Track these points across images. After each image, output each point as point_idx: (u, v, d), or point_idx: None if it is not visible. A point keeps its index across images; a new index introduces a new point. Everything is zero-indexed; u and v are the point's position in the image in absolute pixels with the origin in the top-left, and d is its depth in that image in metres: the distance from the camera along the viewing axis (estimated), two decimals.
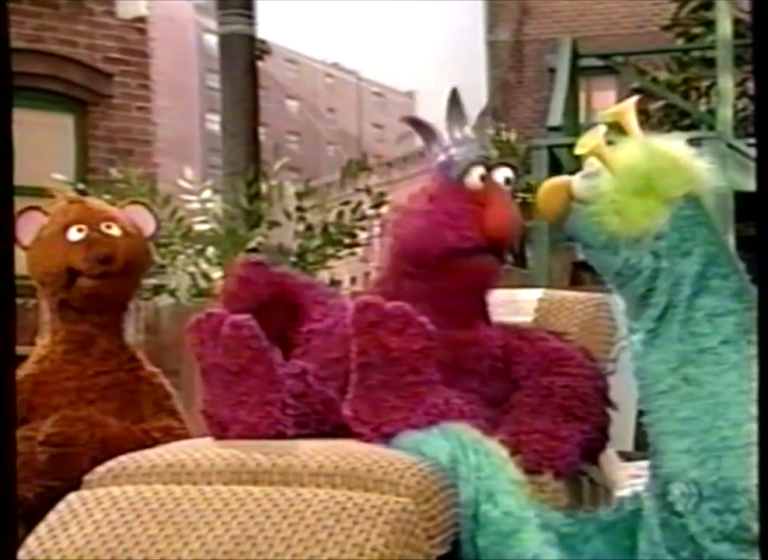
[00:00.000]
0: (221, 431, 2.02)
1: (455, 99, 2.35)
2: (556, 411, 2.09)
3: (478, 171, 2.23)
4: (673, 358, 1.91)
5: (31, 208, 2.85)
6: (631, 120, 1.95)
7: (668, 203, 1.91)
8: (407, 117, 2.42)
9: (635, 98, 2.01)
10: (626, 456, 2.73)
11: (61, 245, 2.78)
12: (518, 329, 2.34)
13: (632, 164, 1.92)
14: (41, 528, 1.80)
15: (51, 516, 1.82)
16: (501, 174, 2.27)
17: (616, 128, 1.97)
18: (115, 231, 2.85)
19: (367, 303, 1.97)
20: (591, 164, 1.95)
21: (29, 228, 2.81)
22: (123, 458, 1.95)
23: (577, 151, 1.96)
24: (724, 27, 6.65)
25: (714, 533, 1.83)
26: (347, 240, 5.77)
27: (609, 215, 1.90)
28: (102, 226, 2.83)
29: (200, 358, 2.04)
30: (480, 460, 1.87)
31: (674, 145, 1.97)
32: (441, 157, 2.27)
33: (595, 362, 2.26)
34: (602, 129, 1.95)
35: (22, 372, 2.74)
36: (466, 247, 2.18)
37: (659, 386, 1.93)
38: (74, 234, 2.79)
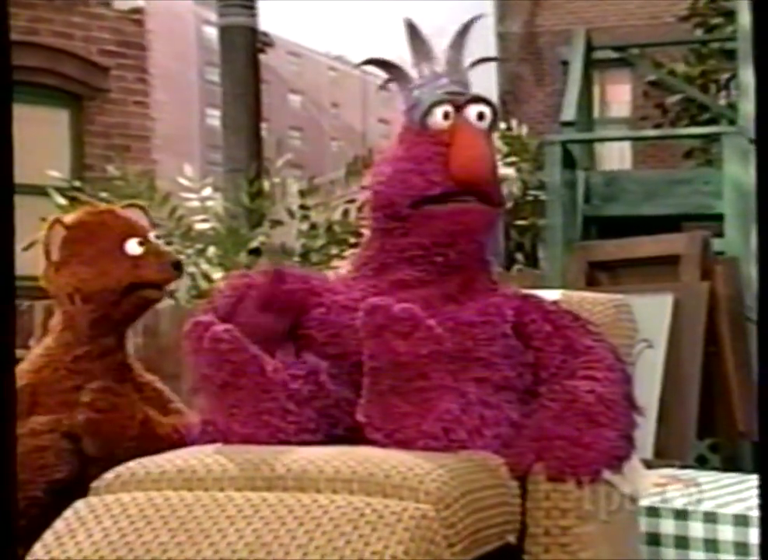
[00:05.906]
0: (222, 440, 1.97)
1: (414, 33, 2.27)
2: (579, 418, 2.01)
3: (441, 110, 2.16)
4: None
5: (56, 221, 2.81)
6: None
7: None
8: (369, 59, 2.32)
9: None
10: (645, 464, 2.63)
11: (121, 260, 2.74)
12: (536, 301, 2.19)
13: None
14: (48, 535, 1.75)
15: (59, 523, 1.77)
16: (473, 110, 2.17)
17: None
18: (160, 239, 2.90)
19: (375, 306, 1.88)
20: None
21: (55, 242, 2.77)
22: (131, 464, 1.89)
23: None
24: (745, 17, 6.55)
25: None
26: (352, 239, 5.70)
27: None
28: (152, 235, 2.84)
29: (192, 368, 2.00)
30: None
31: None
32: (409, 99, 2.21)
33: (623, 363, 2.15)
34: None
35: (18, 381, 2.64)
36: (434, 194, 2.12)
37: None
38: (134, 247, 2.76)
